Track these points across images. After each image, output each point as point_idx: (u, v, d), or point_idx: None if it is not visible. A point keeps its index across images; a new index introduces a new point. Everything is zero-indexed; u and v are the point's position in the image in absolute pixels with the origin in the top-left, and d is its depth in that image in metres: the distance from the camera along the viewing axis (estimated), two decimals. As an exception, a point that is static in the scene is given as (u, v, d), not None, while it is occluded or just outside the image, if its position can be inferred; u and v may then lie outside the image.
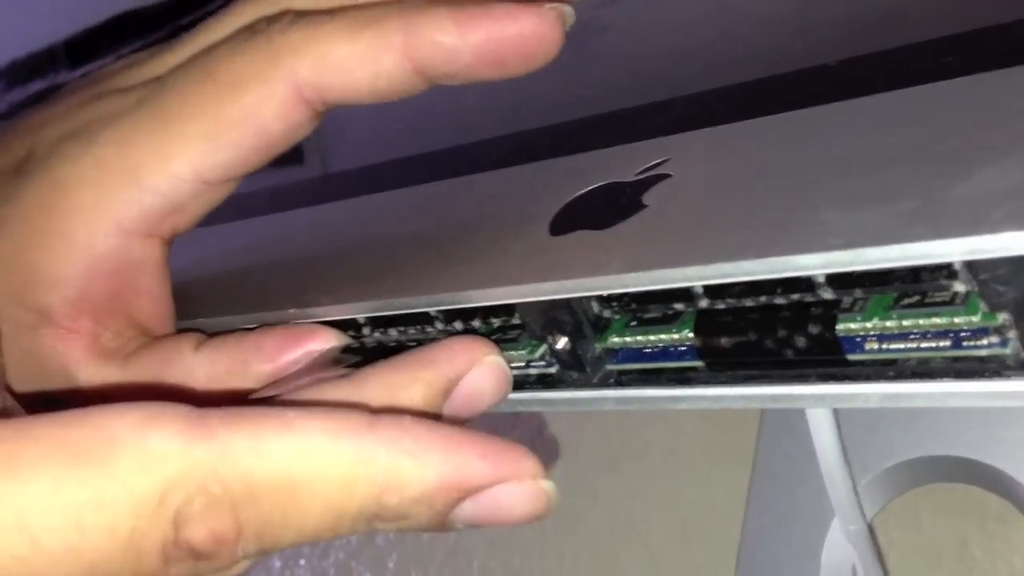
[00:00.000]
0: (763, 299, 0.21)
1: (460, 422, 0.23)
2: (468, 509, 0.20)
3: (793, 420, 0.36)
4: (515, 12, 0.24)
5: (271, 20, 0.26)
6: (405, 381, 0.23)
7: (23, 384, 0.27)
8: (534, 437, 0.57)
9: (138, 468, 0.19)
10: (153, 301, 0.28)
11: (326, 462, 0.20)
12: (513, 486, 0.20)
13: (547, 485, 0.21)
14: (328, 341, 0.27)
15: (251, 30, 0.26)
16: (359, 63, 0.25)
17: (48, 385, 0.27)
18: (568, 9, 0.25)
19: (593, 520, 0.58)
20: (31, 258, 0.27)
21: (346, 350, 0.27)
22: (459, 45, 0.24)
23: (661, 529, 0.56)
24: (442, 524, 0.21)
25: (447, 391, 0.23)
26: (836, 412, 0.33)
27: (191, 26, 0.31)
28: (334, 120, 0.27)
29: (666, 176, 0.24)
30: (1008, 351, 0.19)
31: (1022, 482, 0.33)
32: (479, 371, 0.23)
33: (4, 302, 0.27)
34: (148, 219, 0.27)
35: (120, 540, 0.19)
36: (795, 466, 0.37)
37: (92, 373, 0.27)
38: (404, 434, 0.20)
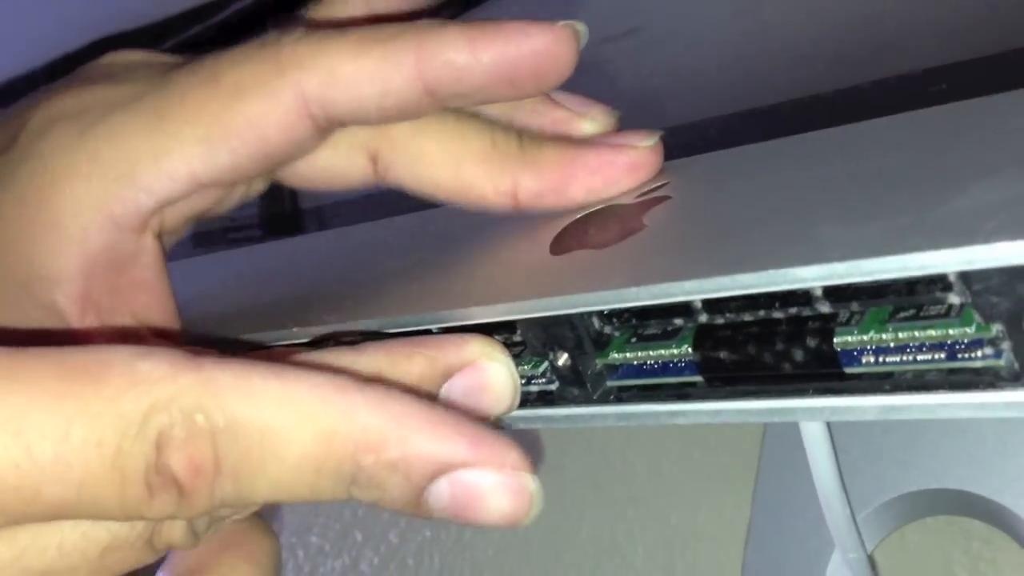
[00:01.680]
0: (761, 313, 0.22)
1: None
2: (444, 491, 0.20)
3: (792, 450, 0.36)
4: (528, 29, 0.24)
5: (281, 32, 0.26)
6: (407, 352, 0.23)
7: None
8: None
9: (126, 387, 0.19)
10: (153, 295, 0.28)
11: (308, 413, 0.20)
12: (493, 474, 0.20)
13: (531, 483, 0.20)
14: None
15: (261, 40, 0.26)
16: (368, 80, 0.25)
17: None
18: (582, 26, 0.25)
19: (579, 542, 0.58)
20: (27, 252, 0.27)
21: None
22: (471, 64, 0.24)
23: (646, 551, 0.57)
24: (418, 503, 0.20)
25: (447, 374, 0.23)
26: (834, 442, 0.33)
27: (171, 51, 0.31)
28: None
29: (666, 198, 0.25)
30: (1002, 362, 0.19)
31: (1019, 514, 0.34)
32: (486, 367, 0.23)
33: (13, 292, 0.27)
34: (141, 215, 0.26)
35: (106, 457, 0.19)
36: (796, 497, 0.38)
37: None
38: (389, 398, 0.20)
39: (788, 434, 0.37)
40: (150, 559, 0.22)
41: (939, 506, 0.36)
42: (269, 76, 0.25)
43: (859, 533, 0.34)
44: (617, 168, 0.26)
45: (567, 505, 0.59)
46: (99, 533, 0.21)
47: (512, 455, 0.20)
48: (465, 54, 0.24)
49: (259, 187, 0.29)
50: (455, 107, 0.26)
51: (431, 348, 0.23)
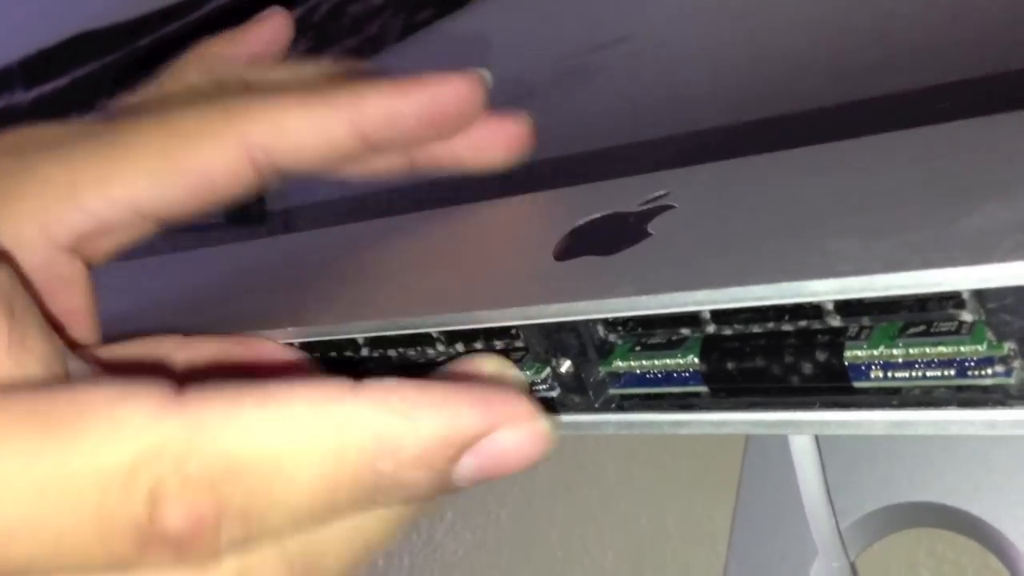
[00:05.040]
0: (770, 326, 0.22)
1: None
2: (469, 464, 0.20)
3: (775, 458, 0.37)
4: (445, 78, 0.27)
5: (223, 87, 0.28)
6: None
7: None
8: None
9: (105, 440, 0.18)
10: (83, 327, 0.28)
11: (310, 432, 0.19)
12: (511, 432, 0.20)
13: (544, 425, 0.20)
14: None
15: (206, 95, 0.27)
16: (311, 130, 0.27)
17: None
18: (486, 73, 0.28)
19: (549, 544, 0.58)
20: None
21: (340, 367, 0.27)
22: (402, 109, 0.27)
23: (616, 555, 0.57)
24: (446, 485, 0.20)
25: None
26: (821, 452, 0.33)
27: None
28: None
29: (669, 207, 0.25)
30: (1012, 381, 0.19)
31: (1003, 531, 0.34)
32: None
33: None
34: (78, 236, 0.27)
35: (86, 514, 0.18)
36: (779, 504, 0.38)
37: None
38: (390, 394, 0.19)
39: (771, 442, 0.37)
40: None
41: (921, 518, 0.37)
42: (219, 124, 0.26)
43: (843, 542, 0.34)
44: (509, 131, 0.28)
45: (537, 507, 0.59)
46: None
47: (522, 407, 0.20)
48: (396, 101, 0.27)
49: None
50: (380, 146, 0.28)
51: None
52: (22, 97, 0.64)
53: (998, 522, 0.34)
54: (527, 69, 0.40)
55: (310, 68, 0.30)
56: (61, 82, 0.65)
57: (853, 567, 0.36)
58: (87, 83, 0.64)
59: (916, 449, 0.36)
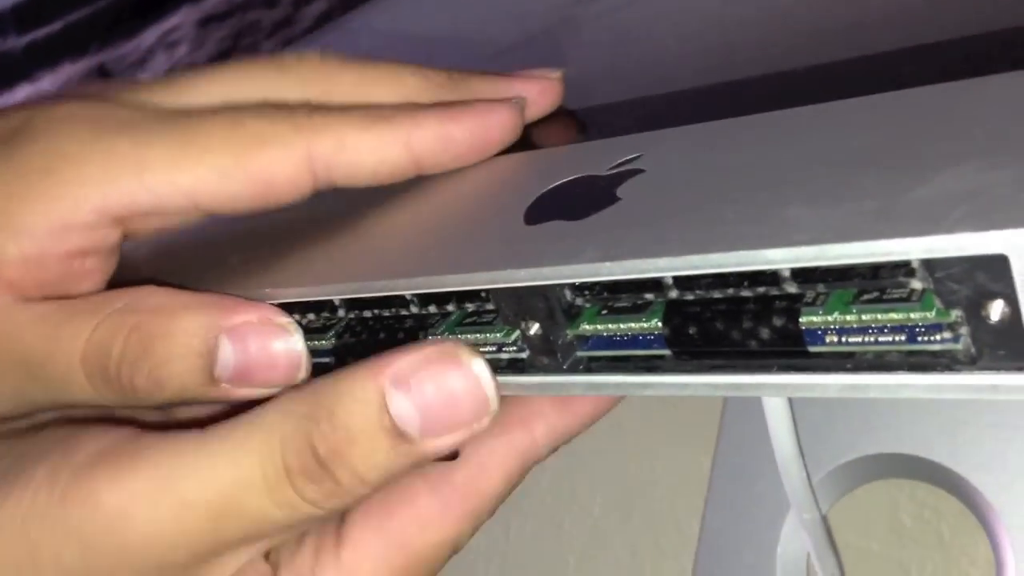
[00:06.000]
0: (730, 291, 0.22)
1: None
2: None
3: (752, 416, 0.37)
4: (492, 106, 0.30)
5: (292, 107, 0.29)
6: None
7: None
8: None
9: None
10: (93, 288, 0.29)
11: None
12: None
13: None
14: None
15: (276, 106, 0.29)
16: (370, 150, 0.29)
17: None
18: (524, 101, 0.31)
19: (538, 492, 0.59)
20: (10, 207, 0.28)
21: (316, 330, 0.28)
22: (455, 135, 0.29)
23: (604, 501, 0.58)
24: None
25: None
26: (792, 408, 0.34)
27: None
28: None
29: (639, 171, 0.25)
30: (959, 346, 0.20)
31: (969, 480, 0.35)
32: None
33: None
34: (131, 209, 0.28)
35: None
36: (754, 459, 0.39)
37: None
38: None
39: (749, 399, 0.38)
40: None
41: (893, 470, 0.37)
42: (288, 133, 0.28)
43: (814, 495, 0.35)
44: (537, 89, 0.31)
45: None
46: None
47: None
48: (450, 128, 0.29)
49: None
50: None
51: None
52: (15, 43, 0.64)
53: (966, 472, 0.35)
54: (500, 27, 0.40)
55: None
56: (54, 27, 0.65)
57: (825, 520, 0.37)
58: (80, 29, 0.64)
59: (889, 402, 0.36)
